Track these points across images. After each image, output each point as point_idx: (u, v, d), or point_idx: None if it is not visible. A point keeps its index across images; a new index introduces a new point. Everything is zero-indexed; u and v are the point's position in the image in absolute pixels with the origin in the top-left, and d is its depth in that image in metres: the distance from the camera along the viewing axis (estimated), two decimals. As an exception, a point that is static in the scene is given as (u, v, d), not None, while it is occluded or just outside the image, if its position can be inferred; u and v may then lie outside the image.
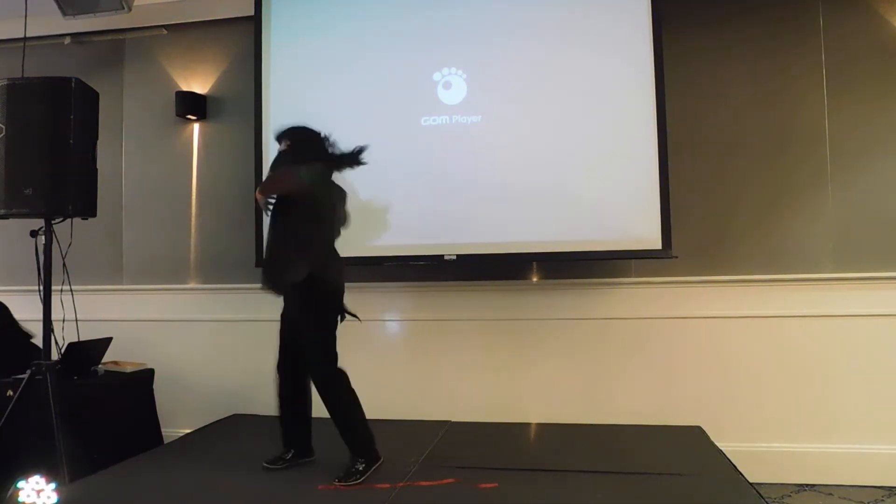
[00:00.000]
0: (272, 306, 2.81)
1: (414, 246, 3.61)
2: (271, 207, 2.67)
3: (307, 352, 2.67)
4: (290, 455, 2.79)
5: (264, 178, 3.72)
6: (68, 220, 3.14)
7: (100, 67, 4.20)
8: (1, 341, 3.55)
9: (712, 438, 3.13)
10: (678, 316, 3.54)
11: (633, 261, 3.58)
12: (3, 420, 2.87)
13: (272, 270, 2.65)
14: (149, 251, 4.16)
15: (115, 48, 4.27)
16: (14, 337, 3.59)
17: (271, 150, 3.75)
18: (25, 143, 2.96)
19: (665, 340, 3.56)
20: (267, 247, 2.74)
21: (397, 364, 3.80)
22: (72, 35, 4.23)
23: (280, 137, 2.81)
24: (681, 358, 3.54)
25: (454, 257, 3.56)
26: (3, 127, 2.96)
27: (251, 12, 3.88)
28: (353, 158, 2.77)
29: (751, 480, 2.58)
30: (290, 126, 2.81)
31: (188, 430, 3.62)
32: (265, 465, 2.75)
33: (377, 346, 3.84)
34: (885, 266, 3.38)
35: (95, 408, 3.30)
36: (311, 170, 2.66)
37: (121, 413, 3.50)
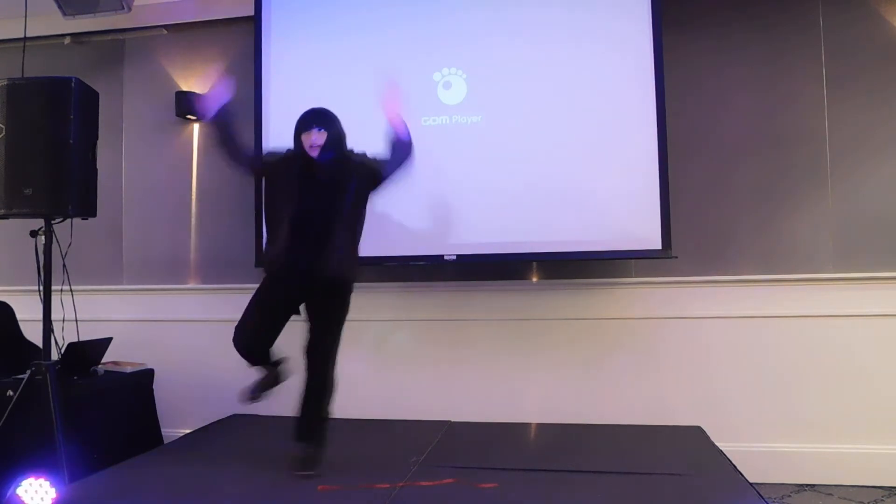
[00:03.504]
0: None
1: (414, 246, 3.61)
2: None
3: (333, 335, 2.70)
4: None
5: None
6: (68, 220, 3.14)
7: (100, 67, 4.20)
8: (2, 342, 3.55)
9: (712, 438, 3.14)
10: (678, 316, 3.54)
11: (633, 261, 3.58)
12: (3, 420, 2.87)
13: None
14: (149, 251, 4.16)
15: (115, 48, 4.27)
16: (15, 338, 3.59)
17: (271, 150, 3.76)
18: (25, 143, 2.96)
19: (665, 340, 3.56)
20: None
21: (397, 364, 3.80)
22: (72, 35, 4.23)
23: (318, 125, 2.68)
24: (681, 358, 3.54)
25: (454, 257, 3.56)
26: (3, 127, 2.96)
27: (251, 12, 3.88)
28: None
29: (751, 480, 2.58)
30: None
31: (188, 430, 3.62)
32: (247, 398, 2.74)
33: (377, 346, 3.84)
34: (885, 266, 3.38)
35: (95, 408, 3.30)
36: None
37: (121, 413, 3.50)
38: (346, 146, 2.75)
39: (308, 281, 2.66)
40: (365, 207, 2.78)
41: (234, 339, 2.73)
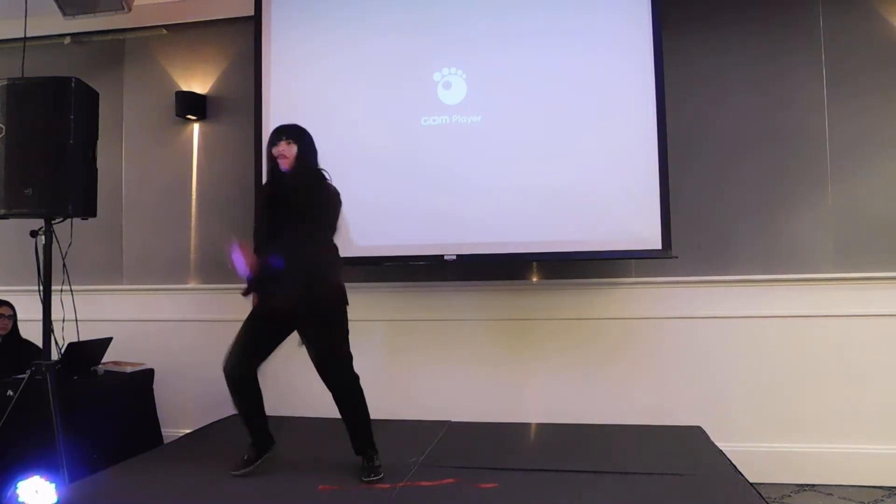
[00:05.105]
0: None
1: (414, 246, 3.61)
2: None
3: (332, 359, 2.62)
4: (254, 453, 2.74)
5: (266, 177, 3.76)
6: (68, 220, 3.14)
7: (100, 67, 4.20)
8: (2, 342, 3.55)
9: (712, 438, 3.13)
10: (678, 316, 3.54)
11: (633, 261, 3.58)
12: (3, 420, 2.87)
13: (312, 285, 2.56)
14: (149, 251, 4.16)
15: (115, 48, 4.27)
16: (15, 338, 3.60)
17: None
18: (25, 143, 2.96)
19: (665, 340, 3.56)
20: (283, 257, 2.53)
21: (397, 364, 3.80)
22: (72, 35, 4.24)
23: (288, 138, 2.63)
24: (681, 358, 3.54)
25: (454, 257, 3.56)
26: (3, 127, 2.96)
27: (251, 12, 3.88)
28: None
29: (751, 480, 2.58)
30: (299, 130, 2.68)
31: (188, 430, 3.62)
32: (235, 474, 2.67)
33: (377, 346, 3.84)
34: (885, 266, 3.38)
35: (95, 408, 3.30)
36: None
37: (121, 413, 3.50)
38: (315, 161, 2.67)
39: (278, 310, 2.60)
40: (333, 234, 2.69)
41: (224, 365, 2.68)
